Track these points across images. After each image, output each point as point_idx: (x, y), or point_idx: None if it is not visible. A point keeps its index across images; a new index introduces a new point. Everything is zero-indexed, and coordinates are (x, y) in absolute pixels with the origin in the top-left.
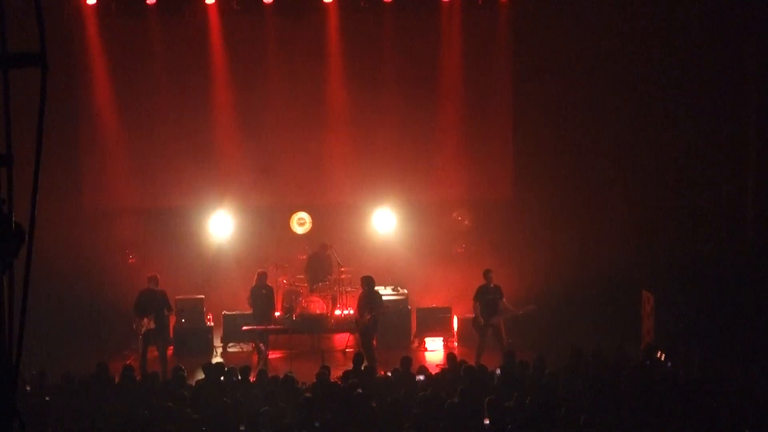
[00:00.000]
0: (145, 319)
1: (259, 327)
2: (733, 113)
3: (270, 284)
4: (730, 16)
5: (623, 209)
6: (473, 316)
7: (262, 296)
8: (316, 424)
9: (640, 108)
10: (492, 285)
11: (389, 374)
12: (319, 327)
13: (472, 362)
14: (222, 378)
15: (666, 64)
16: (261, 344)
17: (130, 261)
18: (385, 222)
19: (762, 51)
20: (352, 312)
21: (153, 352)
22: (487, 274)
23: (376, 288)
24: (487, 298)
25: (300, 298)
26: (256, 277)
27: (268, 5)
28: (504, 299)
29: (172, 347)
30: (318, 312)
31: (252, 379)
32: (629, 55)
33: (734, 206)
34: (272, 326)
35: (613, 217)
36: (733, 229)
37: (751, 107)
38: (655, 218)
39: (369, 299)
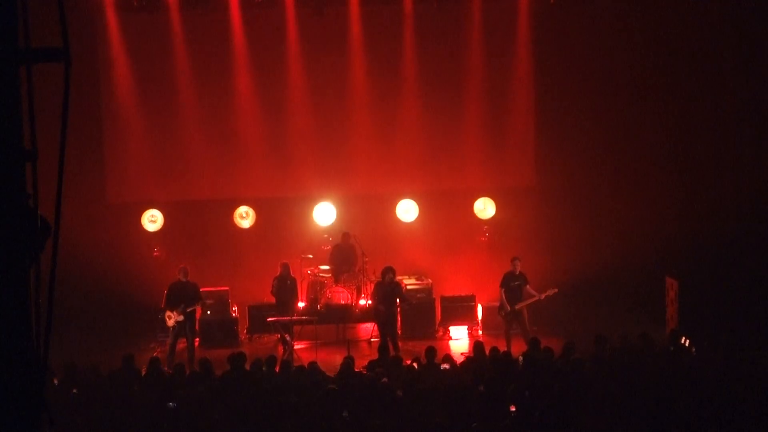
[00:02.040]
0: (176, 312)
1: (284, 318)
2: (755, 95)
3: (294, 275)
4: (755, 9)
5: (646, 195)
6: (499, 303)
7: (286, 286)
8: (345, 414)
9: (664, 93)
10: (518, 272)
11: (414, 364)
12: (344, 317)
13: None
14: (248, 369)
15: (689, 50)
16: (286, 335)
17: (155, 254)
18: (408, 211)
19: None
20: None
21: (179, 344)
22: (513, 261)
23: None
24: (512, 284)
25: (325, 289)
26: (280, 267)
27: None
28: (528, 286)
29: (197, 339)
30: (343, 302)
31: (277, 369)
32: (652, 42)
33: (758, 191)
34: (297, 317)
35: (637, 203)
36: (757, 214)
37: None
38: (679, 204)
39: (393, 290)
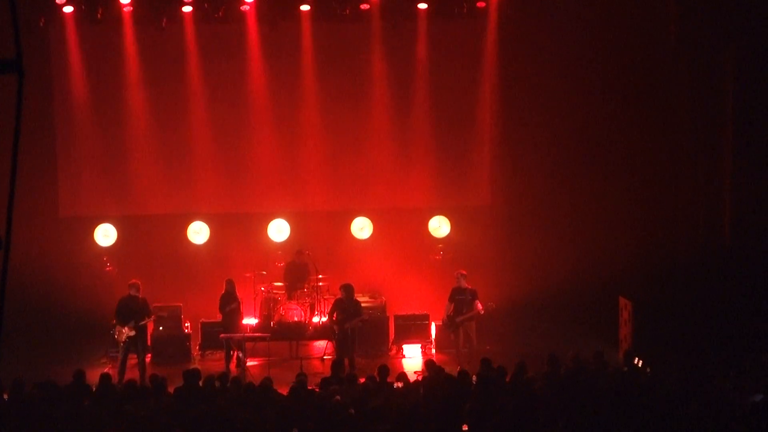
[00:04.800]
0: (126, 327)
1: (237, 335)
2: (709, 117)
3: (246, 292)
4: (707, 21)
5: (601, 215)
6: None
7: (232, 304)
8: None
9: (618, 113)
10: (464, 286)
11: (367, 381)
12: (297, 334)
13: (452, 368)
14: (200, 385)
15: (643, 70)
16: (239, 352)
17: (107, 269)
18: (363, 229)
19: (738, 53)
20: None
21: (131, 360)
22: (458, 276)
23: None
24: (457, 298)
25: (278, 306)
26: (225, 285)
27: (246, 13)
28: (477, 301)
29: (150, 355)
30: (296, 319)
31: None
32: (605, 61)
33: (711, 211)
34: (250, 333)
35: (590, 223)
36: (710, 234)
37: (727, 110)
38: (631, 224)
39: (351, 307)
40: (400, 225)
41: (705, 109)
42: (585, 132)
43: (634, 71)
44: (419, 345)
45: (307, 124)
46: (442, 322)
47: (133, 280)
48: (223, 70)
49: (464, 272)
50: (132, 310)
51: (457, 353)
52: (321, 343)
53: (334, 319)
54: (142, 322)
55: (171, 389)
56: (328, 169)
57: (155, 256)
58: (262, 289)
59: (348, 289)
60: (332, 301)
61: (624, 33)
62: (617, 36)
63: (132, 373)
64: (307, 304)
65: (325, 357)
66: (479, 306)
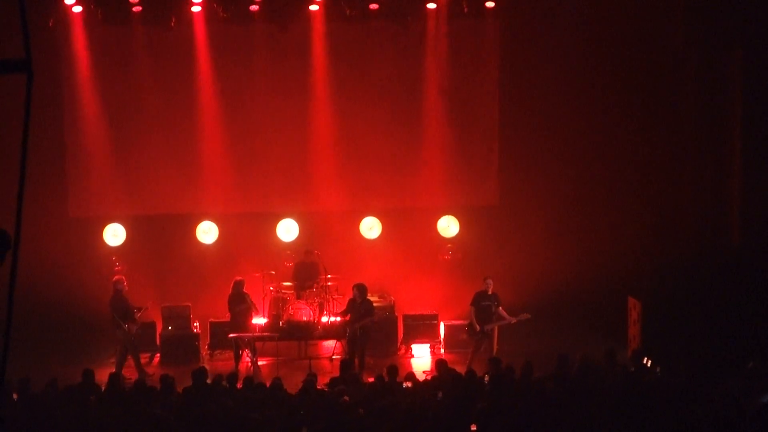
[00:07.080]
0: (134, 321)
1: (247, 334)
2: (717, 118)
3: (255, 292)
4: (714, 21)
5: (609, 215)
6: (468, 321)
7: (241, 305)
8: None
9: (625, 113)
10: (490, 292)
11: (376, 381)
12: (306, 334)
13: (461, 368)
14: (209, 385)
15: (650, 71)
16: (248, 353)
17: (117, 268)
18: (372, 228)
19: (745, 52)
20: (338, 319)
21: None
22: (485, 280)
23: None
24: (482, 304)
25: (287, 305)
26: (233, 285)
27: (255, 12)
28: (501, 307)
29: (159, 354)
30: (305, 319)
31: (239, 386)
32: (613, 62)
33: (719, 212)
34: (259, 333)
35: (599, 223)
36: (719, 233)
37: (735, 111)
38: (640, 224)
39: (363, 307)
40: (409, 225)
41: (713, 109)
42: (593, 132)
43: (642, 72)
44: (428, 345)
45: (315, 124)
46: (468, 329)
47: (118, 276)
48: (231, 70)
49: (491, 277)
50: (129, 306)
51: (472, 356)
52: (330, 343)
53: (347, 319)
54: (139, 314)
55: (179, 389)
56: (337, 169)
57: (164, 256)
58: (271, 288)
59: (361, 289)
60: (341, 300)
61: (631, 34)
62: (624, 37)
63: (130, 374)
64: (315, 304)
65: (334, 357)
66: (507, 315)
